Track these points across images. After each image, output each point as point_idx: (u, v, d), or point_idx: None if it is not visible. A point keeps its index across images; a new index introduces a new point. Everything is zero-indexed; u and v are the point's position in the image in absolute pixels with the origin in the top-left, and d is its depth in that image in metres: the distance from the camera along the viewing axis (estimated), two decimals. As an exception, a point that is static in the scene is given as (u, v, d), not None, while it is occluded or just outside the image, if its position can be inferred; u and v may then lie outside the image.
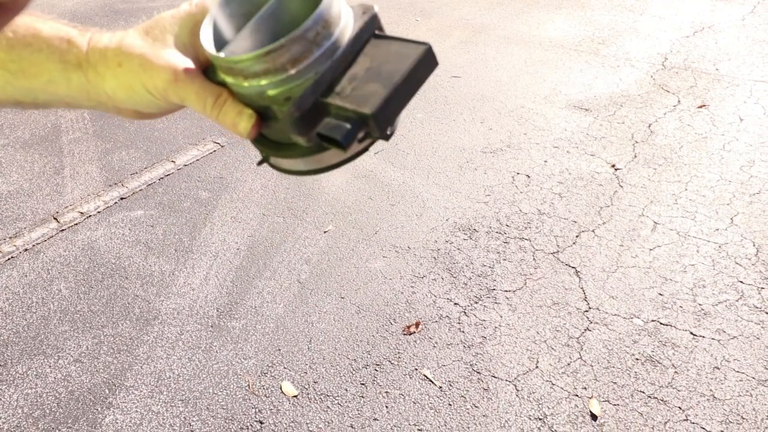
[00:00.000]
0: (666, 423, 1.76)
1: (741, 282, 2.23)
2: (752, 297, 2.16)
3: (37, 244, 2.63)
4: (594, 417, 1.80)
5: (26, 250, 2.60)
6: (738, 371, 1.90)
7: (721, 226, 2.52)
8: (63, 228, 2.72)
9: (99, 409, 1.90)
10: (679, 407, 1.81)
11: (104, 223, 2.76)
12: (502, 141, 3.26)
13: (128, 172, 3.13)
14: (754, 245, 2.40)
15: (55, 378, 2.01)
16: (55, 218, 2.79)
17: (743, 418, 1.76)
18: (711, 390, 1.85)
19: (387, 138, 0.39)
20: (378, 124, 0.37)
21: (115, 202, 2.89)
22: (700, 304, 2.15)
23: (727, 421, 1.76)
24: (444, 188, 2.90)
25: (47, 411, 1.90)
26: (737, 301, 2.15)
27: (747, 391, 1.84)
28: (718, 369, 1.92)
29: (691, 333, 2.04)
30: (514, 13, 5.19)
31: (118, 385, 1.97)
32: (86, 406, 1.91)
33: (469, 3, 5.52)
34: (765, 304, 2.13)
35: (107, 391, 1.96)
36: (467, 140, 3.30)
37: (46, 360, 2.07)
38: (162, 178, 3.07)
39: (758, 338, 2.00)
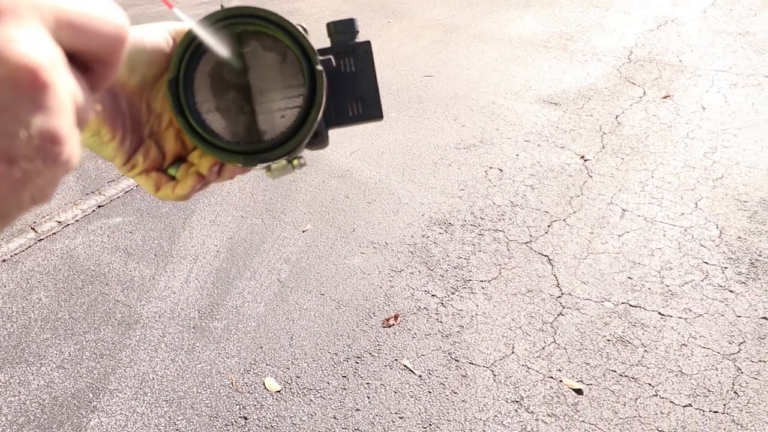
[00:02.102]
0: (637, 399, 1.84)
1: (706, 263, 2.32)
2: (716, 276, 2.25)
3: (15, 254, 2.63)
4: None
5: (4, 260, 2.59)
6: (704, 347, 1.99)
7: (686, 210, 2.61)
8: (41, 237, 2.72)
9: (83, 413, 1.92)
10: (649, 384, 1.88)
11: (82, 231, 2.76)
12: (474, 137, 3.34)
13: (105, 180, 3.13)
14: (717, 227, 2.49)
15: (38, 385, 2.02)
16: (32, 228, 2.79)
17: (709, 391, 1.84)
18: (679, 366, 1.93)
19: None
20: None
21: (93, 210, 2.90)
22: (667, 286, 2.23)
23: (695, 394, 1.84)
24: (419, 184, 2.95)
25: (31, 417, 1.91)
26: (702, 281, 2.24)
27: (713, 366, 1.92)
28: (686, 346, 2.00)
29: (659, 313, 2.12)
30: (484, 12, 5.29)
31: (102, 389, 1.99)
32: (71, 411, 1.92)
33: (440, 3, 5.61)
34: (728, 283, 2.22)
35: (91, 395, 1.97)
36: (441, 137, 3.36)
37: (28, 368, 2.08)
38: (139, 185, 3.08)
39: (722, 315, 2.09)
